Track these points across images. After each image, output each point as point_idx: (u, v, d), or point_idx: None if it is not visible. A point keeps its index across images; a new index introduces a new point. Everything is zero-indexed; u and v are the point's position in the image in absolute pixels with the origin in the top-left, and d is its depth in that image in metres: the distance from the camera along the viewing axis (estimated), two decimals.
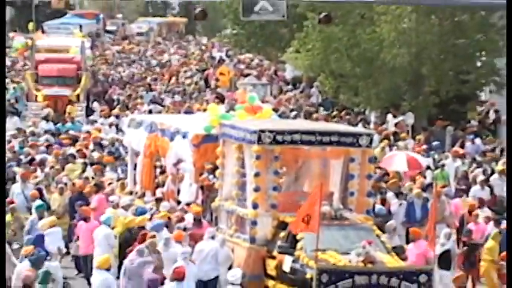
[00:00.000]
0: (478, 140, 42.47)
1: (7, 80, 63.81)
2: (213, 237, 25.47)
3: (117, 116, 48.85)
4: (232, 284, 22.90)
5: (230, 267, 24.58)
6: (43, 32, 75.18)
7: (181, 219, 27.28)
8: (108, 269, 23.34)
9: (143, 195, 31.64)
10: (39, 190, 31.16)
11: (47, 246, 25.98)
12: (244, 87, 53.35)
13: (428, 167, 35.99)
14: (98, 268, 23.42)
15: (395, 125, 46.10)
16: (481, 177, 33.25)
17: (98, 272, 23.32)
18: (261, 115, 30.57)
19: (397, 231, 27.89)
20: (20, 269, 22.82)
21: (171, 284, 22.94)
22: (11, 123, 46.99)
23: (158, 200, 29.82)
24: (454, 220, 30.36)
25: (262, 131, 25.55)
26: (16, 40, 67.74)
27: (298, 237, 24.33)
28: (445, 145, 42.85)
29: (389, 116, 48.01)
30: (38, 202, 29.29)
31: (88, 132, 43.95)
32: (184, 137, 30.57)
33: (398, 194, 30.67)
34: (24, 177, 32.14)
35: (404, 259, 24.95)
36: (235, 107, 32.81)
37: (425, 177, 34.34)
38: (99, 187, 31.23)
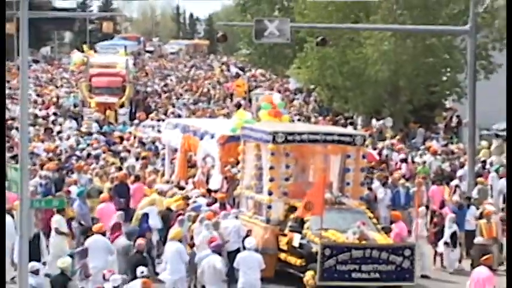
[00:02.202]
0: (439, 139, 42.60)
1: (67, 90, 64.03)
2: (236, 217, 25.29)
3: (152, 119, 48.92)
4: (248, 249, 22.54)
5: (246, 237, 24.20)
6: (95, 51, 75.22)
7: (212, 203, 27.19)
8: (180, 240, 23.07)
9: (178, 183, 31.47)
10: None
11: (150, 222, 25.93)
12: (257, 97, 53.31)
13: (404, 160, 35.91)
14: (172, 239, 23.08)
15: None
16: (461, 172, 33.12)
17: (172, 242, 22.95)
18: (280, 120, 30.53)
19: (425, 216, 27.42)
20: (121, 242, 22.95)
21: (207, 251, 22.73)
22: (71, 125, 47.00)
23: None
24: (432, 204, 30.20)
25: (276, 133, 25.62)
26: (75, 56, 67.61)
27: (305, 218, 24.28)
28: (417, 143, 43.07)
29: (373, 120, 48.04)
30: (77, 189, 28.99)
31: (130, 132, 43.96)
32: (212, 137, 30.48)
33: (383, 184, 30.50)
34: (79, 169, 31.90)
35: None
36: (262, 106, 32.82)
37: (400, 168, 34.61)
38: (137, 178, 31.02)
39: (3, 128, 33.73)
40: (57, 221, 25.11)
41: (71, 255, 22.39)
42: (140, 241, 22.76)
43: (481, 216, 27.02)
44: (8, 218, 24.85)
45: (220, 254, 22.05)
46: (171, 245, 22.83)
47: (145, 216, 26.01)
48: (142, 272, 20.11)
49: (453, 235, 26.29)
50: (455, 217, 27.04)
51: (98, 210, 27.43)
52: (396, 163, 36.28)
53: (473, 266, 22.66)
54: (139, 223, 25.74)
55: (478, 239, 24.58)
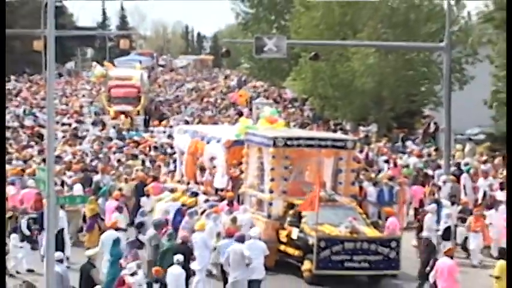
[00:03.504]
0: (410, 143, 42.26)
1: (89, 100, 63.74)
2: (244, 212, 25.05)
3: (165, 126, 48.68)
4: (253, 237, 22.09)
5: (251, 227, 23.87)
6: (114, 65, 74.90)
7: (219, 200, 27.02)
8: (203, 231, 22.79)
9: (188, 183, 31.19)
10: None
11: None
12: (257, 106, 53.07)
13: (386, 161, 35.65)
14: (198, 230, 22.64)
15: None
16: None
17: (197, 233, 22.50)
18: (276, 125, 30.23)
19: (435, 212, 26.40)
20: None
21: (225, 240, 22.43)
22: (93, 131, 46.75)
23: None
24: (414, 201, 29.89)
25: (276, 138, 25.42)
26: (96, 69, 67.38)
27: (302, 214, 24.07)
28: (399, 147, 42.82)
29: (360, 126, 47.77)
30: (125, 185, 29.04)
31: (145, 138, 43.73)
32: (218, 141, 30.20)
33: (372, 183, 30.19)
34: (102, 171, 31.70)
35: (380, 231, 24.57)
36: (260, 115, 32.59)
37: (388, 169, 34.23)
38: (155, 178, 30.92)
39: (3, 129, 33.70)
40: (116, 219, 24.69)
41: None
42: (184, 233, 22.56)
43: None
44: (61, 212, 24.87)
45: (243, 243, 21.65)
46: (197, 235, 22.42)
47: (178, 210, 25.58)
48: (178, 260, 20.16)
49: (447, 229, 25.88)
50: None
51: (106, 206, 27.13)
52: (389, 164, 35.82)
53: (420, 257, 21.93)
54: (173, 217, 25.19)
55: (423, 233, 23.96)
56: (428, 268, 21.05)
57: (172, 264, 20.39)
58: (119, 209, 25.58)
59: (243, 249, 21.09)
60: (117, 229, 23.33)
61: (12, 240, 24.30)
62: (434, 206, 25.91)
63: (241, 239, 21.61)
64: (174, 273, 20.13)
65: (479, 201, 29.22)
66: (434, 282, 20.05)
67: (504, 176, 31.85)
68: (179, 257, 20.32)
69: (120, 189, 28.98)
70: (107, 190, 28.61)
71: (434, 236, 24.45)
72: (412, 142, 42.90)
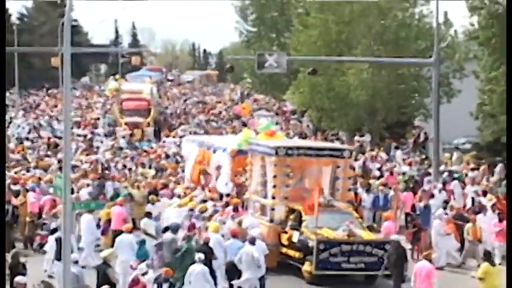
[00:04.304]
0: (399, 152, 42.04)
1: (102, 112, 63.53)
2: (252, 215, 24.92)
3: (174, 136, 48.46)
4: (256, 238, 21.96)
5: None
6: (126, 80, 74.76)
7: (225, 205, 26.79)
8: (218, 232, 22.60)
9: (195, 189, 30.98)
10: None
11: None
12: (258, 117, 52.98)
13: (379, 169, 35.46)
14: (213, 232, 22.47)
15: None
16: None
17: (212, 234, 22.34)
18: (275, 137, 30.06)
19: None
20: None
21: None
22: (107, 141, 46.53)
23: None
24: (405, 207, 29.65)
25: (278, 147, 25.25)
26: (109, 84, 67.20)
27: (303, 218, 23.88)
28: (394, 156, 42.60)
29: (355, 136, 47.57)
30: (124, 191, 28.68)
31: (152, 147, 43.54)
32: (224, 150, 30.05)
33: (367, 190, 29.99)
34: (113, 179, 31.46)
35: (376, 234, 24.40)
36: (259, 128, 32.41)
37: (381, 176, 33.94)
38: (165, 185, 30.70)
39: (4, 130, 33.38)
40: (146, 224, 24.49)
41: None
42: (206, 235, 22.33)
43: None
44: (88, 215, 24.61)
45: (254, 244, 21.47)
46: (212, 235, 22.19)
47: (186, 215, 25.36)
48: (199, 258, 19.99)
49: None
50: (421, 216, 26.47)
51: (111, 210, 26.91)
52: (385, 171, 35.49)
53: (389, 260, 21.60)
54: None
55: (393, 236, 23.66)
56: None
57: (192, 263, 20.11)
58: (147, 214, 25.15)
59: (254, 252, 20.94)
60: (146, 233, 23.20)
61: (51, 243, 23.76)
62: (442, 211, 25.69)
63: (253, 241, 21.46)
64: (198, 270, 19.81)
65: (468, 207, 29.02)
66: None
67: (488, 183, 31.75)
68: (200, 255, 20.12)
69: (130, 195, 28.77)
70: (120, 196, 28.35)
71: (403, 239, 24.20)
72: (401, 151, 42.65)
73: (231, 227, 23.75)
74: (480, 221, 25.43)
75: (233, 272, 21.61)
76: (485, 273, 18.88)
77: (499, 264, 21.76)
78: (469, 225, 25.32)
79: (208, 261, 20.54)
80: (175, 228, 22.73)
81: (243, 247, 21.49)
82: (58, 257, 20.63)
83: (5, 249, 19.31)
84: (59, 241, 21.01)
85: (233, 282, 21.51)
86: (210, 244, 21.57)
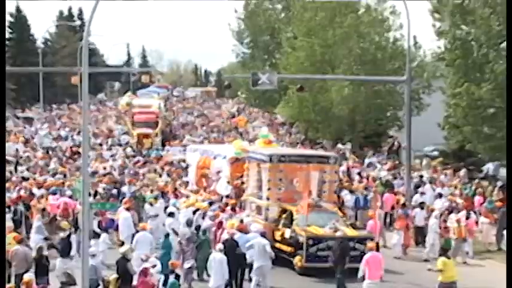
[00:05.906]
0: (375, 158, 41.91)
1: (115, 124, 63.09)
2: (248, 216, 24.67)
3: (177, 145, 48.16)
4: (255, 232, 21.66)
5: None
6: (137, 96, 74.33)
7: (225, 206, 26.48)
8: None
9: (198, 191, 30.67)
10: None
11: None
12: (253, 128, 52.77)
13: (359, 174, 35.16)
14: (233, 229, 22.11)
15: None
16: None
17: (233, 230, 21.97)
18: (271, 145, 29.86)
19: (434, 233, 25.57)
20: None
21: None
22: (120, 150, 46.13)
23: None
24: (385, 207, 29.35)
25: (272, 155, 25.12)
26: (123, 99, 66.80)
27: (294, 217, 23.63)
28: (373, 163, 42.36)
29: (338, 145, 47.36)
30: (149, 194, 28.42)
31: (162, 155, 43.20)
32: (224, 158, 29.82)
33: (350, 191, 29.70)
34: (129, 182, 31.11)
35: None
36: (260, 135, 32.18)
37: (361, 181, 33.63)
38: (174, 188, 30.28)
39: (3, 131, 32.35)
40: (170, 224, 24.05)
41: None
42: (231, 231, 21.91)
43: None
44: (126, 213, 24.21)
45: (264, 237, 21.14)
46: (234, 232, 21.81)
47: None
48: (220, 248, 19.82)
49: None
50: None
51: (118, 210, 26.45)
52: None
53: (334, 256, 21.21)
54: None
55: (338, 233, 23.13)
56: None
57: (209, 254, 20.10)
58: (171, 214, 24.68)
59: (265, 245, 20.58)
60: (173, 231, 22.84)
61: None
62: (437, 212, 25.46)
63: (264, 235, 21.22)
64: (218, 258, 19.57)
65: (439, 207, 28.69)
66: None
67: (453, 184, 31.61)
68: (220, 246, 19.98)
69: (135, 198, 28.37)
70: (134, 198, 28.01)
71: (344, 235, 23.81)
72: (377, 158, 42.44)
73: (229, 224, 23.41)
74: (452, 220, 25.19)
75: (243, 263, 21.16)
76: (444, 265, 18.79)
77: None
78: (454, 226, 25.03)
79: (228, 252, 20.13)
80: (189, 223, 22.62)
81: (251, 240, 21.05)
82: (63, 254, 20.36)
83: (5, 249, 18.77)
84: (67, 240, 20.83)
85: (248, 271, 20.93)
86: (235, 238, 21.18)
